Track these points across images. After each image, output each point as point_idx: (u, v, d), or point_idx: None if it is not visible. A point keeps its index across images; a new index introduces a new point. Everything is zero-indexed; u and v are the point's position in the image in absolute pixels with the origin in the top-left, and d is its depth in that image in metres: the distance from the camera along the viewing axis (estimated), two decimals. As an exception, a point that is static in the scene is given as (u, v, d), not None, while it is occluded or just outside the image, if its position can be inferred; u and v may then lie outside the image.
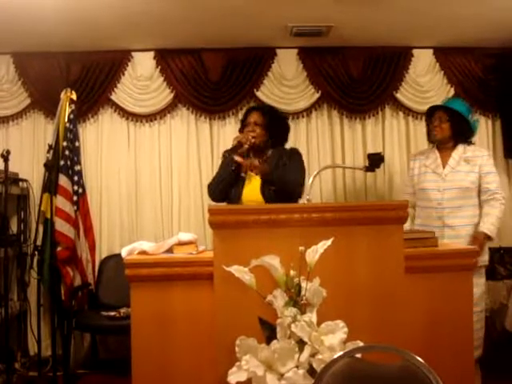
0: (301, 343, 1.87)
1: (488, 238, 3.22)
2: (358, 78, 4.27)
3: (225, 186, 3.10)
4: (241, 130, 3.30)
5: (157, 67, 4.25)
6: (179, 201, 4.27)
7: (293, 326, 1.87)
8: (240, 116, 3.78)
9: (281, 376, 1.85)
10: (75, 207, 3.95)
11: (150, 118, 4.29)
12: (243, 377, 1.85)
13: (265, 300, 1.97)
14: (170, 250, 2.33)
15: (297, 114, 4.32)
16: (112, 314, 3.65)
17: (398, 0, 3.37)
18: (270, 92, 4.28)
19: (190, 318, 2.15)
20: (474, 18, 3.67)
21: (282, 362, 1.85)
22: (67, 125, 3.98)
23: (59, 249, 3.83)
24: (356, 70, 4.26)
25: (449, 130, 3.34)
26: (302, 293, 1.94)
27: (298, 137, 4.29)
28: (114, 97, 4.25)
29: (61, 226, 3.82)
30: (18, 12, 3.35)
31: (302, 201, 3.18)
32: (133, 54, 4.26)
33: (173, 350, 2.15)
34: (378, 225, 2.15)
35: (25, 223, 4.08)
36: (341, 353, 1.58)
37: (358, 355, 1.60)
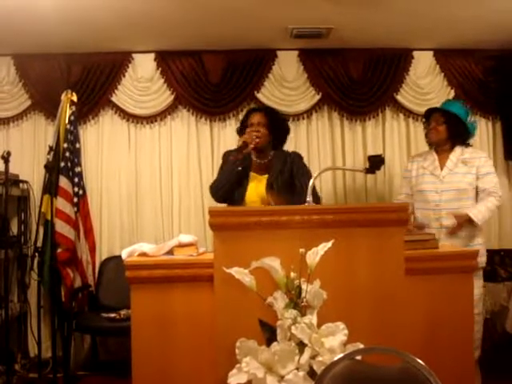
0: (301, 345, 1.87)
1: (471, 221, 3.18)
2: (358, 80, 4.28)
3: (231, 187, 3.09)
4: (240, 131, 3.31)
5: (157, 69, 4.26)
6: (179, 202, 4.27)
7: (293, 327, 1.87)
8: (240, 118, 3.78)
9: (281, 378, 1.85)
10: (75, 209, 3.95)
11: (150, 119, 4.29)
12: (243, 379, 1.85)
13: (265, 302, 1.97)
14: (170, 252, 2.33)
15: (297, 116, 4.32)
16: (112, 315, 3.65)
17: (397, 2, 3.38)
18: (270, 94, 4.28)
19: (191, 320, 2.15)
20: (473, 20, 3.68)
21: (282, 364, 1.85)
22: (68, 126, 3.98)
23: (59, 250, 3.82)
24: (356, 71, 4.27)
25: (445, 132, 3.35)
26: (303, 295, 1.94)
27: (298, 139, 4.30)
28: (114, 98, 4.25)
29: (61, 227, 3.82)
30: (19, 14, 3.35)
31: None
32: (133, 55, 4.26)
33: (173, 352, 2.15)
34: (378, 227, 2.15)
35: (25, 225, 4.08)
36: (341, 355, 1.57)
37: (359, 357, 1.60)
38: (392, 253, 2.15)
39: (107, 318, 3.66)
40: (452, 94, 4.30)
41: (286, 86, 4.30)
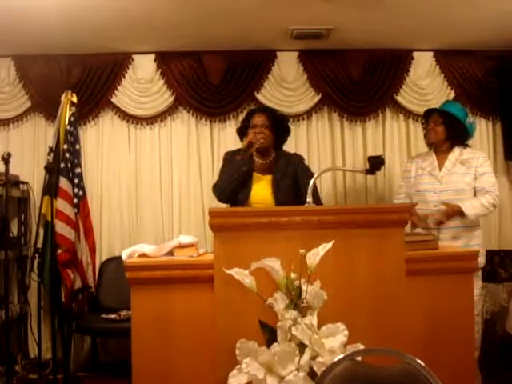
0: (301, 346, 1.87)
1: (462, 214, 3.16)
2: (358, 81, 4.28)
3: (236, 186, 3.09)
4: (240, 131, 3.32)
5: (157, 70, 4.26)
6: (179, 203, 4.27)
7: (293, 328, 1.87)
8: (240, 119, 3.79)
9: (281, 379, 1.85)
10: (76, 210, 3.95)
11: (150, 120, 4.29)
12: (243, 380, 1.85)
13: (265, 303, 1.96)
14: (170, 253, 2.33)
15: (297, 117, 4.32)
16: (112, 316, 3.65)
17: (397, 3, 3.38)
18: (270, 95, 4.28)
19: (191, 321, 2.15)
20: (473, 21, 3.68)
21: (282, 365, 1.85)
22: (68, 127, 3.98)
23: (59, 251, 3.82)
24: (356, 72, 4.27)
25: (443, 132, 3.36)
26: (303, 295, 1.94)
27: (298, 139, 4.29)
28: (114, 99, 4.25)
29: (61, 228, 3.82)
30: (19, 15, 3.35)
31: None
32: (133, 56, 4.26)
33: (173, 353, 2.15)
34: (378, 228, 2.15)
35: (25, 226, 4.09)
36: (341, 356, 1.57)
37: (359, 358, 1.60)
38: (392, 254, 2.15)
39: (107, 319, 3.65)
40: (452, 94, 4.29)
41: (286, 87, 4.30)
